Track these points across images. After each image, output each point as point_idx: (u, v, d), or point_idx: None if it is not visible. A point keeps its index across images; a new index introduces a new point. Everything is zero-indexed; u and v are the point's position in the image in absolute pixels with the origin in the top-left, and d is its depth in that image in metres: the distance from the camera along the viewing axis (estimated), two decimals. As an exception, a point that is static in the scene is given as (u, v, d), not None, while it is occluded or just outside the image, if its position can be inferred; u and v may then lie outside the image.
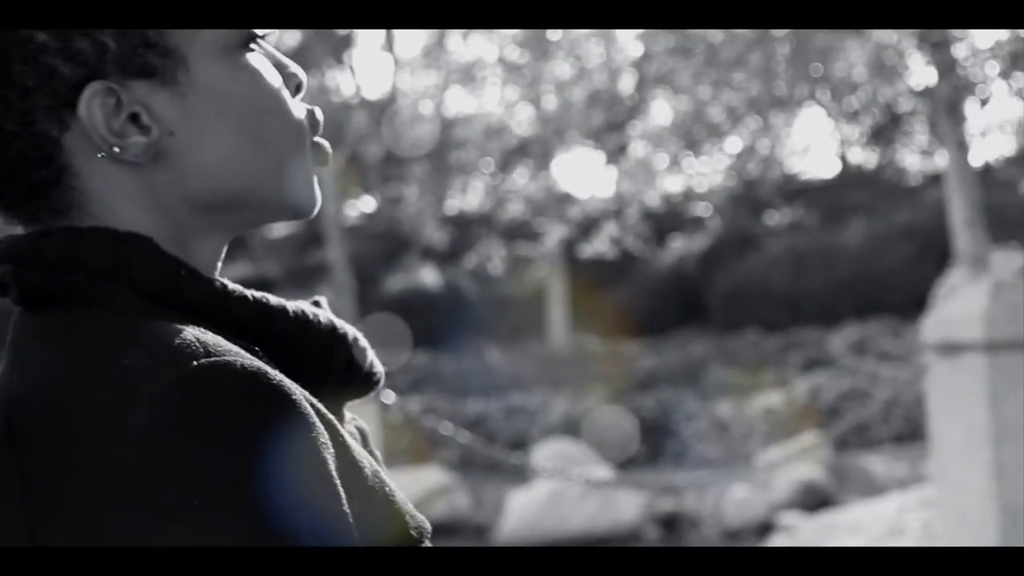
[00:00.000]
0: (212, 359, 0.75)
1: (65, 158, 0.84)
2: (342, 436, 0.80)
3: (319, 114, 0.91)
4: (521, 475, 11.01)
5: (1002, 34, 8.18)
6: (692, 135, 10.64)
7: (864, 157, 20.13)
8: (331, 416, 0.80)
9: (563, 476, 8.41)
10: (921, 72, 9.35)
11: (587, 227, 15.77)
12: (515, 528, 10.49)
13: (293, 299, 0.90)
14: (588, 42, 11.50)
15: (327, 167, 0.90)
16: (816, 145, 25.50)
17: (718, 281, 17.03)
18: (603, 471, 10.57)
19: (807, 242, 16.89)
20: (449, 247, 18.94)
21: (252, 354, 0.79)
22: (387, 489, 0.83)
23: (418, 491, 11.34)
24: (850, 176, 19.62)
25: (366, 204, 21.46)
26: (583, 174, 30.76)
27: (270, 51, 0.90)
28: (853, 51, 9.07)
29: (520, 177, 17.45)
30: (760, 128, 10.73)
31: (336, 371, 0.88)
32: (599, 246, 13.77)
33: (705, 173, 14.73)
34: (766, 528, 9.23)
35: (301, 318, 0.86)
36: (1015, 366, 4.51)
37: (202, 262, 0.88)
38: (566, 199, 17.29)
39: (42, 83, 0.82)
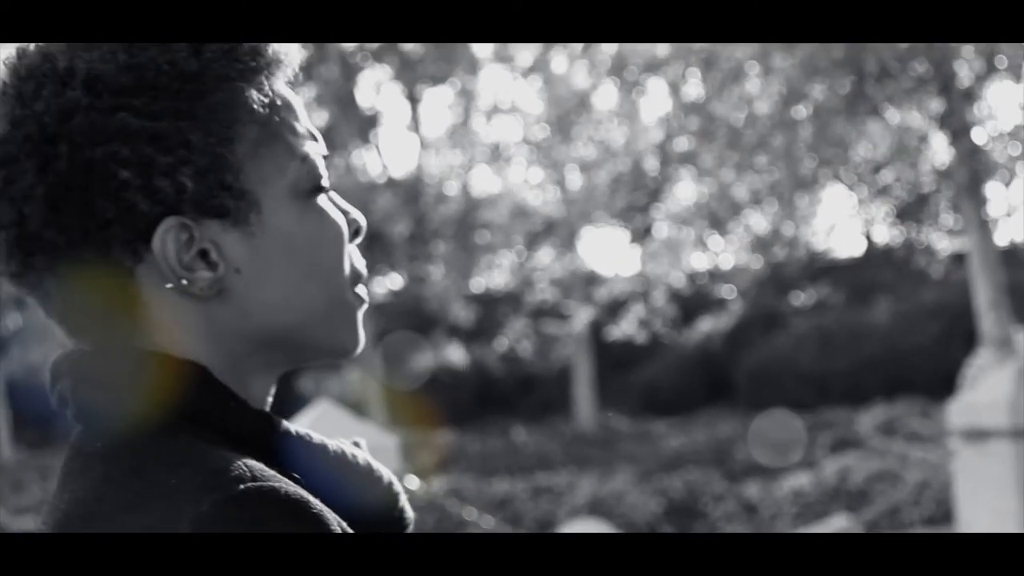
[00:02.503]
0: (258, 483, 0.78)
1: (135, 287, 0.87)
2: None
3: (363, 266, 0.96)
4: (547, 557, 10.91)
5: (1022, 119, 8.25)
6: (716, 215, 10.70)
7: (890, 236, 20.11)
8: None
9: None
10: (943, 153, 9.40)
11: (614, 308, 15.77)
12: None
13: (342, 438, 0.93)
14: (611, 123, 11.63)
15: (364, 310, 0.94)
16: (841, 224, 25.46)
17: (744, 360, 16.97)
18: (630, 553, 10.46)
19: (833, 321, 16.83)
20: (475, 325, 18.97)
21: (295, 483, 0.82)
22: None
23: (444, 573, 11.22)
24: (876, 255, 19.60)
25: (393, 282, 21.56)
26: (608, 252, 30.84)
27: (334, 197, 0.95)
28: (875, 134, 9.15)
29: (546, 256, 17.52)
30: (784, 210, 10.78)
31: (367, 513, 0.90)
32: (626, 328, 13.76)
33: (730, 251, 14.74)
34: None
35: (340, 457, 0.89)
36: (1042, 452, 4.49)
37: (254, 396, 0.91)
38: (592, 278, 17.33)
39: (121, 217, 0.85)
